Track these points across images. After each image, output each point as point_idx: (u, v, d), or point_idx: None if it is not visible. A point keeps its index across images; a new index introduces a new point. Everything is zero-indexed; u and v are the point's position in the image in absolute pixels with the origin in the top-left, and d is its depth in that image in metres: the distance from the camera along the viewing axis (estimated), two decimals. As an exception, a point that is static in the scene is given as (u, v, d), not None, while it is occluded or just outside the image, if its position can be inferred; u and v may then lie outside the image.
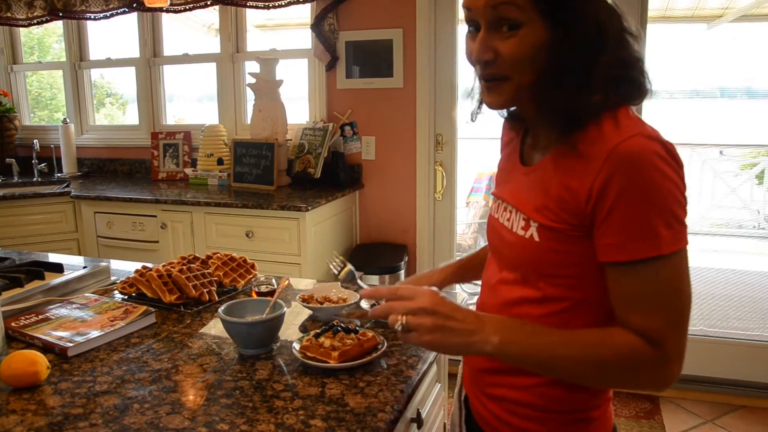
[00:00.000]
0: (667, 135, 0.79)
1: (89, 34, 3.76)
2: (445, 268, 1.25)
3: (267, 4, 3.05)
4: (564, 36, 0.79)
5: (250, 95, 3.16)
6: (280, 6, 3.04)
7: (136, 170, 3.67)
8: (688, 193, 0.79)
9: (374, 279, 2.79)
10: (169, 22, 3.59)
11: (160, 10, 3.23)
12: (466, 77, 0.93)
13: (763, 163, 6.33)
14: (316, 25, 2.99)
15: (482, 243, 2.42)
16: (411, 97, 2.96)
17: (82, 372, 1.09)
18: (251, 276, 1.56)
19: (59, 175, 3.63)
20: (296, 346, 1.13)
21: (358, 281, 1.38)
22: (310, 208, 2.59)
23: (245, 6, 3.11)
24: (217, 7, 3.27)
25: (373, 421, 0.92)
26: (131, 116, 4.34)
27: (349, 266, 1.37)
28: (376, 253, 3.00)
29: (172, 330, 1.29)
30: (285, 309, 1.18)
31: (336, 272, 1.38)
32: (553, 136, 0.86)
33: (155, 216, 2.87)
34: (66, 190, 3.13)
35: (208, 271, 1.50)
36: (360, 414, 0.94)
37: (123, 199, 2.92)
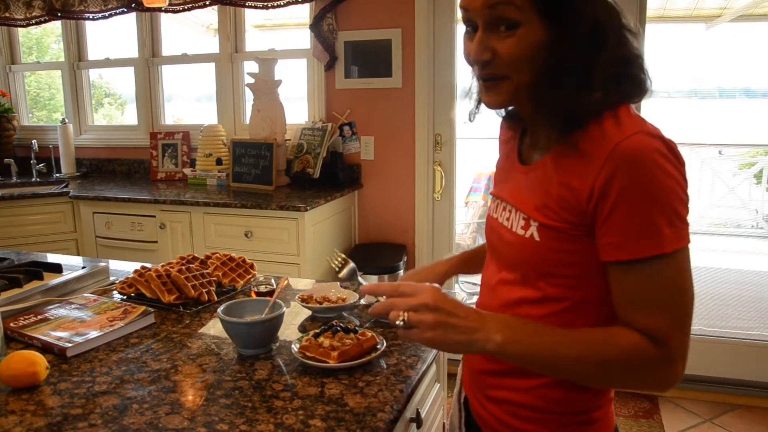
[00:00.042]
0: (666, 134, 0.79)
1: (88, 35, 3.76)
2: (449, 260, 1.24)
3: (266, 4, 3.05)
4: (563, 35, 0.79)
5: (248, 95, 3.16)
6: (278, 6, 3.03)
7: (135, 170, 3.67)
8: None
9: (373, 279, 2.79)
10: (167, 22, 3.58)
11: (159, 10, 3.23)
12: (465, 77, 0.93)
13: (762, 162, 6.34)
14: (315, 25, 2.99)
15: (481, 243, 2.42)
16: (410, 97, 2.96)
17: (81, 372, 1.09)
18: (250, 276, 1.56)
19: (58, 175, 3.63)
20: (295, 346, 1.13)
21: (359, 279, 1.38)
22: (309, 208, 2.59)
23: (244, 6, 3.11)
24: (215, 7, 3.27)
25: (372, 420, 0.92)
26: (130, 116, 4.34)
27: (351, 264, 1.37)
28: (375, 253, 3.00)
29: (171, 330, 1.29)
30: (284, 309, 1.18)
31: (337, 270, 1.38)
32: (552, 135, 0.85)
33: (154, 216, 2.87)
34: (64, 190, 3.13)
35: (207, 271, 1.50)
36: (359, 414, 0.94)
37: (122, 200, 2.92)
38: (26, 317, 1.28)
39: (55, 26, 3.91)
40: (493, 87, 0.85)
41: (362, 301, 1.36)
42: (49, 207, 3.06)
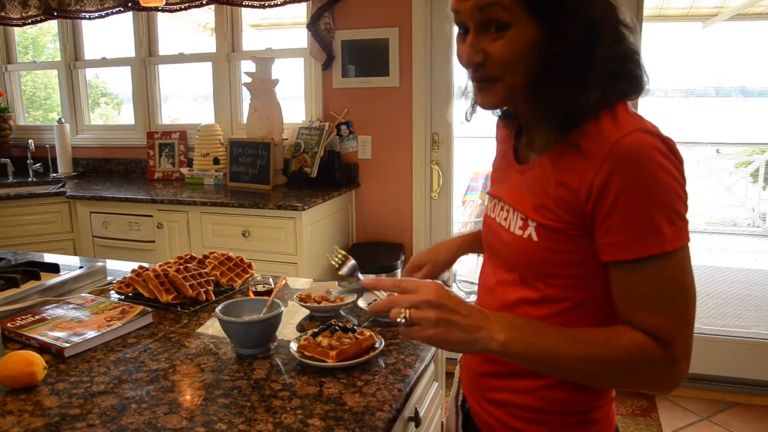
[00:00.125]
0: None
1: (84, 34, 3.75)
2: (459, 236, 1.22)
3: (262, 3, 3.04)
4: (555, 34, 0.78)
5: (245, 94, 3.16)
6: (275, 5, 3.03)
7: (132, 170, 3.66)
8: (684, 191, 0.78)
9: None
10: (164, 21, 3.58)
11: (156, 9, 3.22)
12: (462, 76, 0.92)
13: (758, 161, 6.37)
14: (312, 25, 2.99)
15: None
16: (407, 96, 2.96)
17: (79, 372, 1.09)
18: (248, 275, 1.56)
19: (54, 175, 3.62)
20: (294, 345, 1.13)
21: (359, 276, 1.37)
22: (306, 207, 2.59)
23: (241, 5, 3.10)
24: (212, 7, 3.26)
25: (371, 420, 0.92)
26: (126, 116, 4.33)
27: (352, 260, 1.37)
28: (372, 253, 3.00)
29: (169, 330, 1.28)
30: (282, 308, 1.18)
31: (337, 266, 1.37)
32: (549, 134, 0.85)
33: (151, 216, 2.87)
34: (61, 190, 3.12)
35: (205, 270, 1.50)
36: (358, 413, 0.94)
37: (119, 199, 2.92)
38: (23, 317, 1.28)
39: (51, 26, 3.90)
40: (486, 88, 0.84)
41: (360, 303, 1.35)
42: (46, 207, 3.05)
